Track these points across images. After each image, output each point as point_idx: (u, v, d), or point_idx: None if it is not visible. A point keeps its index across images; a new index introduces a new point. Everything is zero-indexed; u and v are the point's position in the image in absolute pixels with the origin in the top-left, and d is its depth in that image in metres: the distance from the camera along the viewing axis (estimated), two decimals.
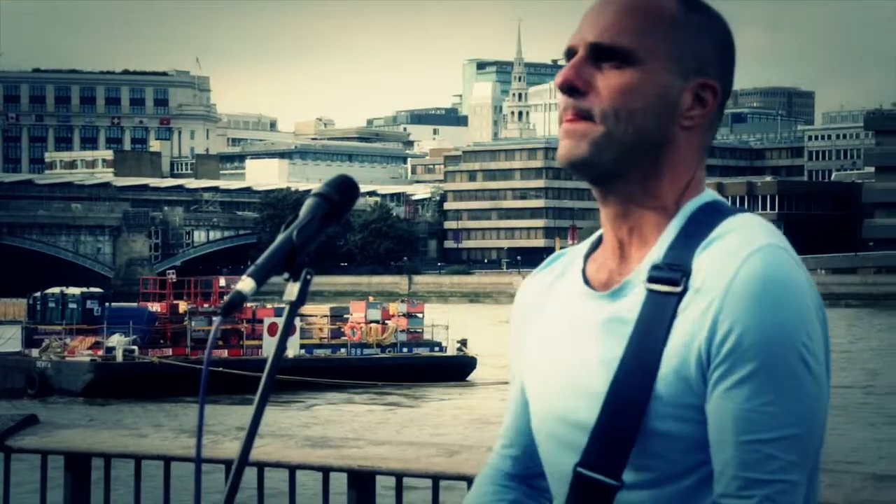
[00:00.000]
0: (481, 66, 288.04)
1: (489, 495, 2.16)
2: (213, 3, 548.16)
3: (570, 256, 2.10)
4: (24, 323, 50.24)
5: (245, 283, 1.84)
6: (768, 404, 1.83)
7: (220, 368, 39.44)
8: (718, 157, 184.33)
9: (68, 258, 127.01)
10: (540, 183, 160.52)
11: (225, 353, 46.55)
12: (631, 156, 1.96)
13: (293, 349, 47.70)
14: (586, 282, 2.02)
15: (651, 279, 1.92)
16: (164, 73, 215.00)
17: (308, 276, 1.90)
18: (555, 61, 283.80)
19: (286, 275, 1.91)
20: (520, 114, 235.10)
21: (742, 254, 1.87)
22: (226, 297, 1.82)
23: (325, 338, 51.84)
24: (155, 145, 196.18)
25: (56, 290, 51.27)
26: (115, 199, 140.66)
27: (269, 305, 49.35)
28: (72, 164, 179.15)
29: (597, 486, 1.92)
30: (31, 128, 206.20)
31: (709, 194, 2.00)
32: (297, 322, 49.62)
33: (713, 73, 1.98)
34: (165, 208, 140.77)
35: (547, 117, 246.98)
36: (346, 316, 53.57)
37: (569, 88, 1.96)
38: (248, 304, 49.41)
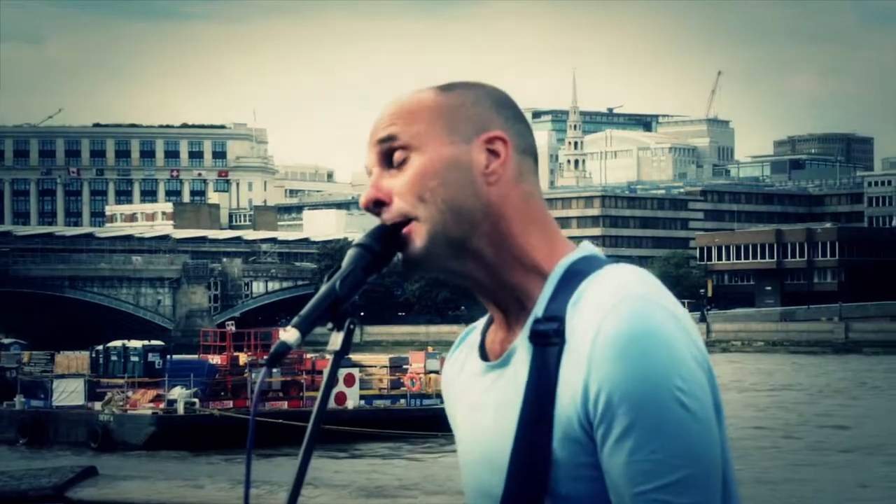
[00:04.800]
0: (536, 114, 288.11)
1: None
2: (269, 56, 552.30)
3: (475, 333, 2.13)
4: (87, 376, 50.45)
5: (289, 334, 1.90)
6: (653, 453, 1.86)
7: (280, 420, 39.40)
8: (777, 203, 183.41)
9: (129, 310, 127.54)
10: (597, 231, 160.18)
11: (285, 405, 46.61)
12: (461, 230, 1.98)
13: (353, 400, 47.64)
14: (484, 355, 2.06)
15: (532, 333, 1.95)
16: (222, 126, 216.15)
17: (351, 326, 1.95)
18: (610, 109, 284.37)
19: (330, 325, 1.95)
20: (576, 162, 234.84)
21: (604, 309, 1.89)
22: (271, 348, 1.86)
23: (384, 388, 51.78)
24: (213, 197, 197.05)
25: (118, 343, 51.53)
26: (175, 251, 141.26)
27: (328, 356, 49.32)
28: (132, 217, 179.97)
29: None
30: (91, 182, 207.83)
31: (584, 248, 2.03)
32: (357, 373, 49.64)
33: (497, 126, 2.03)
34: (224, 260, 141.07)
35: (603, 165, 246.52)
36: (405, 366, 53.53)
37: (374, 205, 2.00)
38: (308, 356, 49.56)
